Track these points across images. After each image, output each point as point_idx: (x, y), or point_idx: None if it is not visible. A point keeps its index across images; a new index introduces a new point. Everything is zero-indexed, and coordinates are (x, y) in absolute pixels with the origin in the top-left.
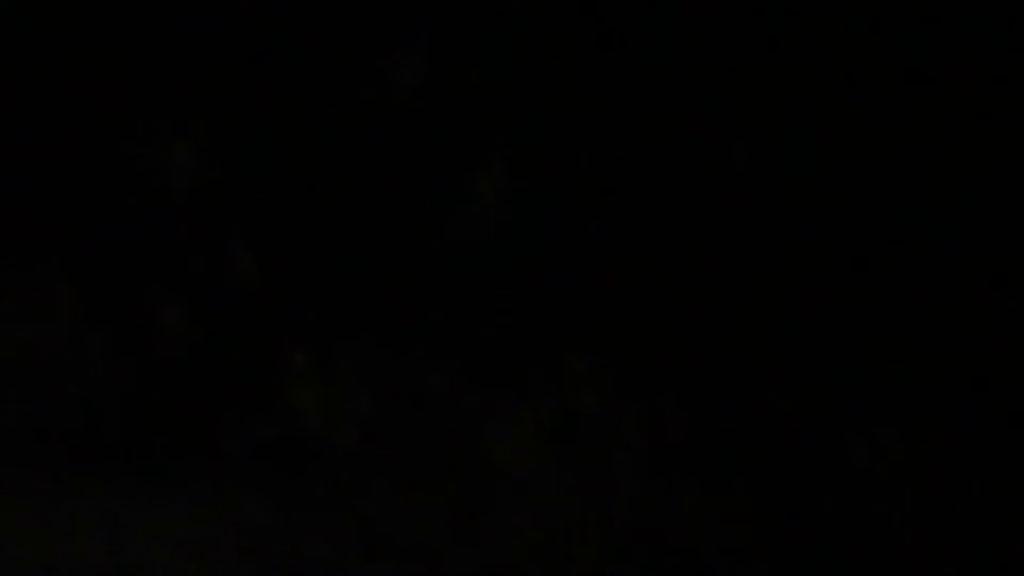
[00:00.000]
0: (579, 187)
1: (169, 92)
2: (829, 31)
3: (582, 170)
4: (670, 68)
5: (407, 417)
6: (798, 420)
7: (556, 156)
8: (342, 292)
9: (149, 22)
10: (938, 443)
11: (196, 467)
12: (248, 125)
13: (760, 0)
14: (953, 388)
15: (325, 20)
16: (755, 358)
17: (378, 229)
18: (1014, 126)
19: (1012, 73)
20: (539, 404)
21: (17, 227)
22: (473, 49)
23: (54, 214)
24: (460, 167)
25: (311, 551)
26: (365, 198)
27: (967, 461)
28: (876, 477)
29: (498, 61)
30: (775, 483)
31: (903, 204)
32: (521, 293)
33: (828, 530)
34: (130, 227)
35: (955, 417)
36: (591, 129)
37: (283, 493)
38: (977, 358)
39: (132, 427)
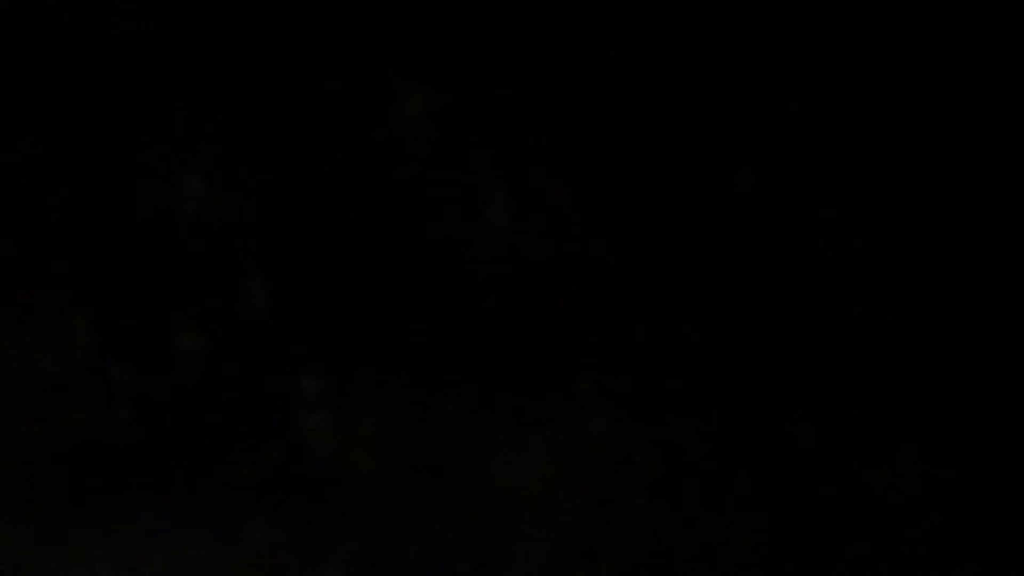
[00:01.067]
0: (588, 212)
1: (180, 123)
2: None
3: (592, 195)
4: (677, 90)
5: (418, 442)
6: (814, 445)
7: (565, 181)
8: (353, 318)
9: (161, 54)
10: (959, 469)
11: (208, 493)
12: (258, 155)
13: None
14: (973, 413)
15: (332, 50)
16: (770, 382)
17: (388, 255)
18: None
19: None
20: (550, 429)
21: (33, 258)
22: (478, 77)
23: (69, 245)
24: (469, 193)
25: None
26: (375, 225)
27: (987, 487)
28: (894, 503)
29: (503, 88)
30: (790, 509)
31: (926, 226)
32: (531, 318)
33: (845, 556)
34: (144, 256)
35: (975, 442)
36: (599, 154)
37: (295, 519)
38: (997, 383)
39: (144, 454)
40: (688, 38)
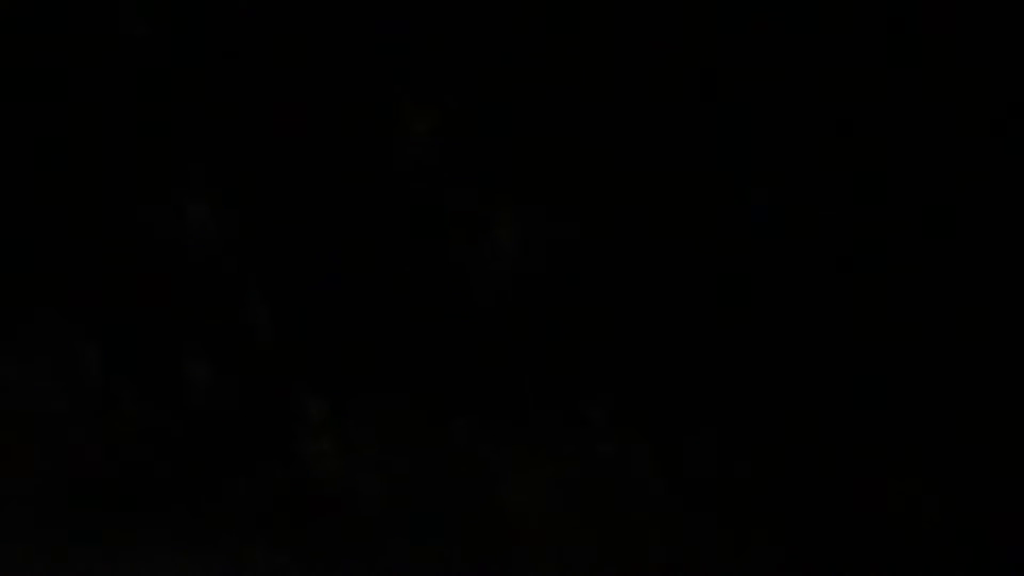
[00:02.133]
0: (595, 236)
1: (186, 150)
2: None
3: (598, 219)
4: (689, 113)
5: (424, 466)
6: (827, 465)
7: (572, 206)
8: (358, 342)
9: (167, 83)
10: (974, 490)
11: (213, 518)
12: (264, 180)
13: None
14: (988, 437)
15: (341, 73)
16: (781, 405)
17: (394, 280)
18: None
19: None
20: (558, 453)
21: (41, 289)
22: (485, 99)
23: (77, 275)
24: (476, 215)
25: None
26: (381, 250)
27: (1003, 509)
28: (911, 523)
29: (510, 111)
30: (802, 529)
31: (943, 252)
32: (538, 341)
33: (855, 574)
34: (151, 284)
35: (990, 467)
36: (607, 178)
37: (299, 543)
38: (1012, 409)
39: (150, 479)
40: (695, 57)
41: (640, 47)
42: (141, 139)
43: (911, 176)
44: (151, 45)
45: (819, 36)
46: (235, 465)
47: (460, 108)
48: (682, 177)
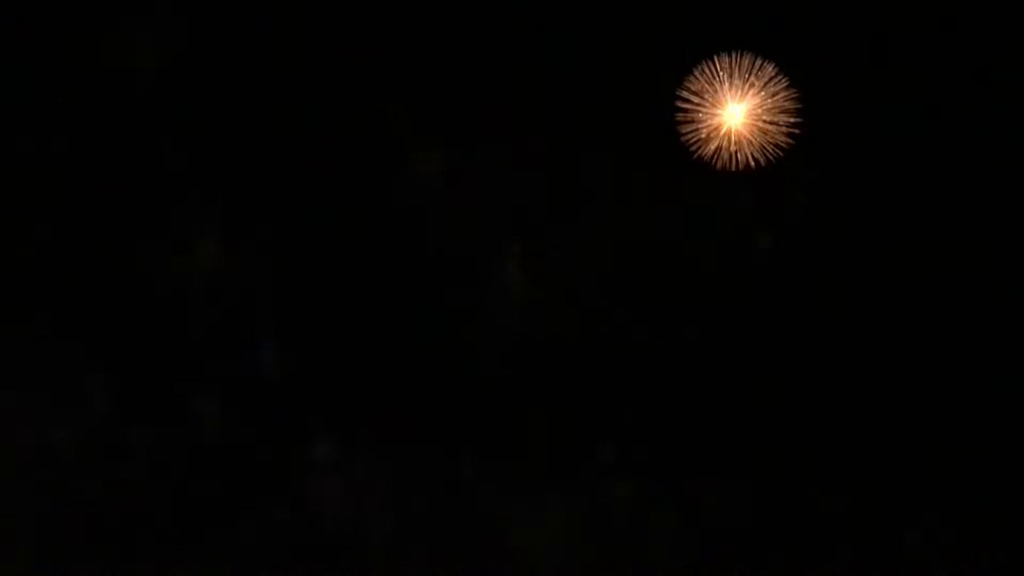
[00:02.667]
0: (603, 277)
1: (198, 191)
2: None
3: (606, 261)
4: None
5: (433, 508)
6: (841, 506)
7: (579, 246)
8: (366, 383)
9: (178, 122)
10: (988, 532)
11: (218, 556)
12: (273, 221)
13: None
14: (1001, 480)
15: (345, 119)
16: (792, 447)
17: (404, 321)
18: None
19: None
20: (570, 495)
21: (51, 326)
22: (491, 142)
23: (88, 312)
24: (483, 257)
25: None
26: (390, 292)
27: (1017, 548)
28: (926, 563)
29: (517, 153)
30: (816, 569)
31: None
32: (549, 383)
33: None
34: (160, 322)
35: (1004, 506)
36: (614, 222)
37: None
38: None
39: (156, 516)
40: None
41: (643, 88)
42: (155, 178)
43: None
44: (164, 86)
45: None
46: (240, 504)
47: (467, 148)
48: (693, 221)
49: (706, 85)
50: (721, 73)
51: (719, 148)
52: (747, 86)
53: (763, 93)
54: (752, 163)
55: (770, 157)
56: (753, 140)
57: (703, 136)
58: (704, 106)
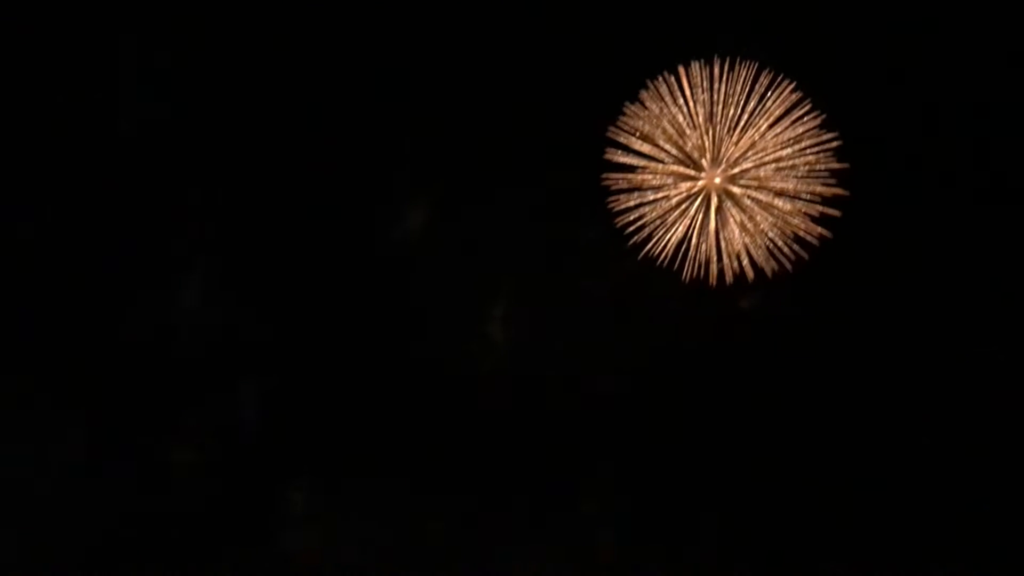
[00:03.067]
0: (588, 332)
1: (178, 241)
2: None
3: (592, 315)
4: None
5: (411, 558)
6: (825, 561)
7: (563, 300)
8: (347, 433)
9: (162, 170)
10: None
11: None
12: (255, 270)
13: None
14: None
15: (333, 165)
16: (774, 495)
17: (386, 369)
18: None
19: None
20: (552, 543)
21: (30, 373)
22: (478, 195)
23: (67, 360)
24: (469, 309)
25: None
26: (372, 339)
27: None
28: None
29: (503, 207)
30: None
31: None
32: (531, 434)
33: None
34: (139, 370)
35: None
36: (600, 275)
37: None
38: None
39: (132, 564)
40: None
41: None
42: (138, 228)
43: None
44: (149, 138)
45: None
46: (216, 552)
47: (454, 202)
48: (678, 272)
49: (663, 122)
50: (686, 93)
51: (691, 259)
52: (738, 121)
53: (777, 132)
54: (752, 274)
55: (789, 258)
56: (757, 236)
57: (660, 235)
58: (655, 165)
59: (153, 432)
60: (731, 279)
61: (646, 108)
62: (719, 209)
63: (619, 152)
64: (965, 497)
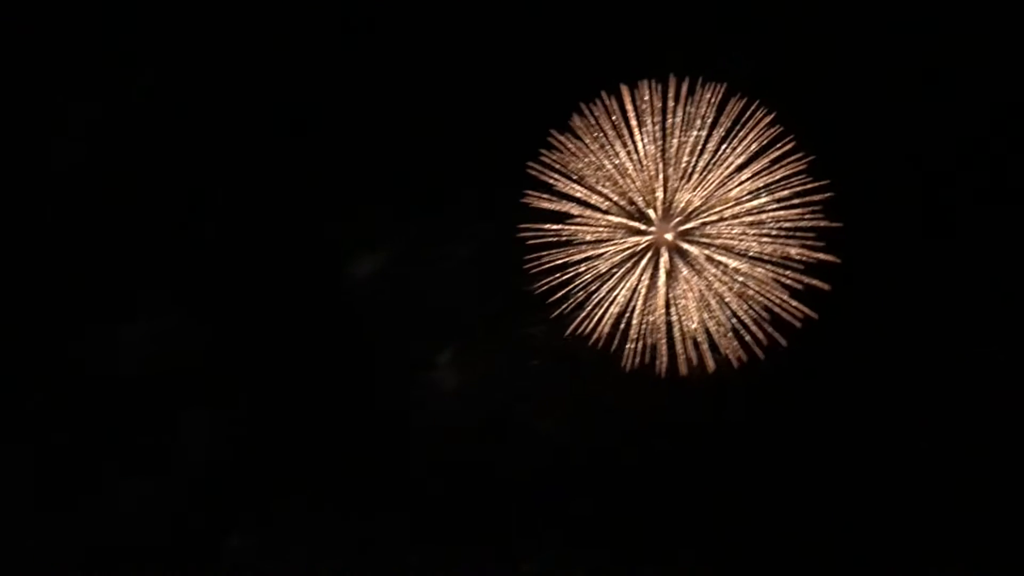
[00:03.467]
0: (531, 378)
1: (124, 273)
2: None
3: (528, 357)
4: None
5: None
6: None
7: (511, 345)
8: (291, 474)
9: (113, 214)
10: None
11: None
12: (202, 310)
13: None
14: None
15: (282, 210)
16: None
17: (332, 414)
18: None
19: None
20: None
21: None
22: (427, 241)
23: (12, 396)
24: (416, 356)
25: None
26: (319, 384)
27: None
28: None
29: (452, 255)
30: None
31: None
32: (473, 481)
33: None
34: (84, 404)
35: None
36: (544, 315)
37: None
38: None
39: None
40: None
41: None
42: (81, 265)
43: None
44: (95, 170)
45: None
46: None
47: (403, 250)
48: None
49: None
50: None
51: (633, 341)
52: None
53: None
54: (712, 365)
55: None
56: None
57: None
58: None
59: (96, 462)
60: (686, 370)
61: (579, 140)
62: (670, 274)
63: (544, 197)
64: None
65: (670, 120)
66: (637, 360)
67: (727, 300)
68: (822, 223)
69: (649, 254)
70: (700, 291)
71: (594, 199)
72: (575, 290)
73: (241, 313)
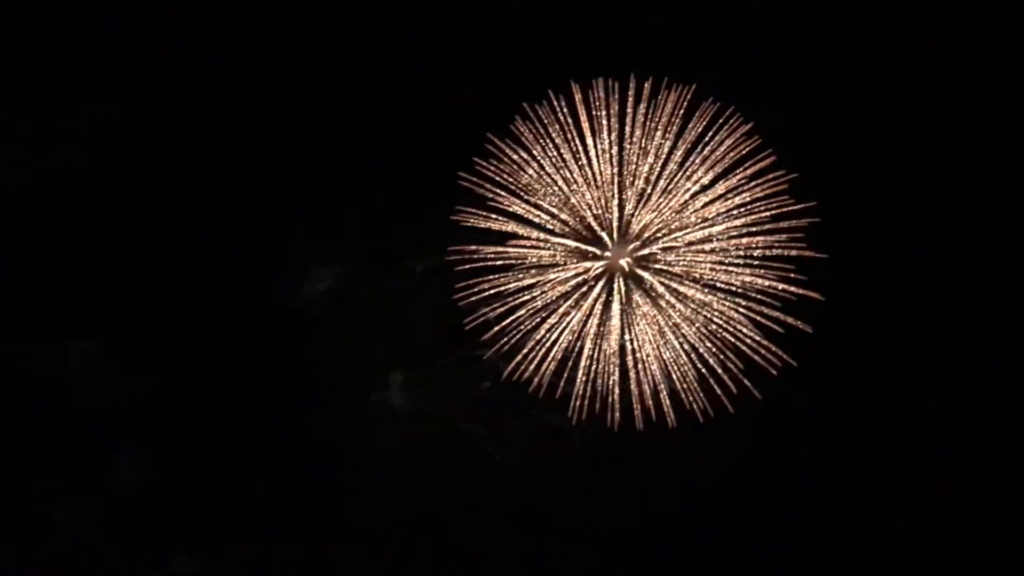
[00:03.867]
0: (481, 400)
1: (70, 293)
2: None
3: (484, 379)
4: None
5: None
6: None
7: (460, 364)
8: (235, 499)
9: (64, 230)
10: None
11: None
12: (149, 328)
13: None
14: None
15: (236, 227)
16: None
17: (278, 436)
18: None
19: None
20: None
21: None
22: (383, 260)
23: None
24: (366, 377)
25: None
26: (264, 404)
27: None
28: None
29: (407, 273)
30: None
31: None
32: (422, 505)
33: None
34: (25, 427)
35: None
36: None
37: None
38: None
39: None
40: None
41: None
42: (28, 279)
43: None
44: (40, 200)
45: None
46: None
47: (356, 267)
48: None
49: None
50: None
51: (579, 390)
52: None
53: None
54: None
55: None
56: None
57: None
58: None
59: (37, 494)
60: (642, 424)
61: (521, 146)
62: (626, 306)
63: (473, 213)
64: None
65: (629, 125)
66: (584, 414)
67: (691, 340)
68: (806, 252)
69: (602, 282)
70: (661, 326)
71: (538, 216)
72: (509, 328)
73: (183, 342)
